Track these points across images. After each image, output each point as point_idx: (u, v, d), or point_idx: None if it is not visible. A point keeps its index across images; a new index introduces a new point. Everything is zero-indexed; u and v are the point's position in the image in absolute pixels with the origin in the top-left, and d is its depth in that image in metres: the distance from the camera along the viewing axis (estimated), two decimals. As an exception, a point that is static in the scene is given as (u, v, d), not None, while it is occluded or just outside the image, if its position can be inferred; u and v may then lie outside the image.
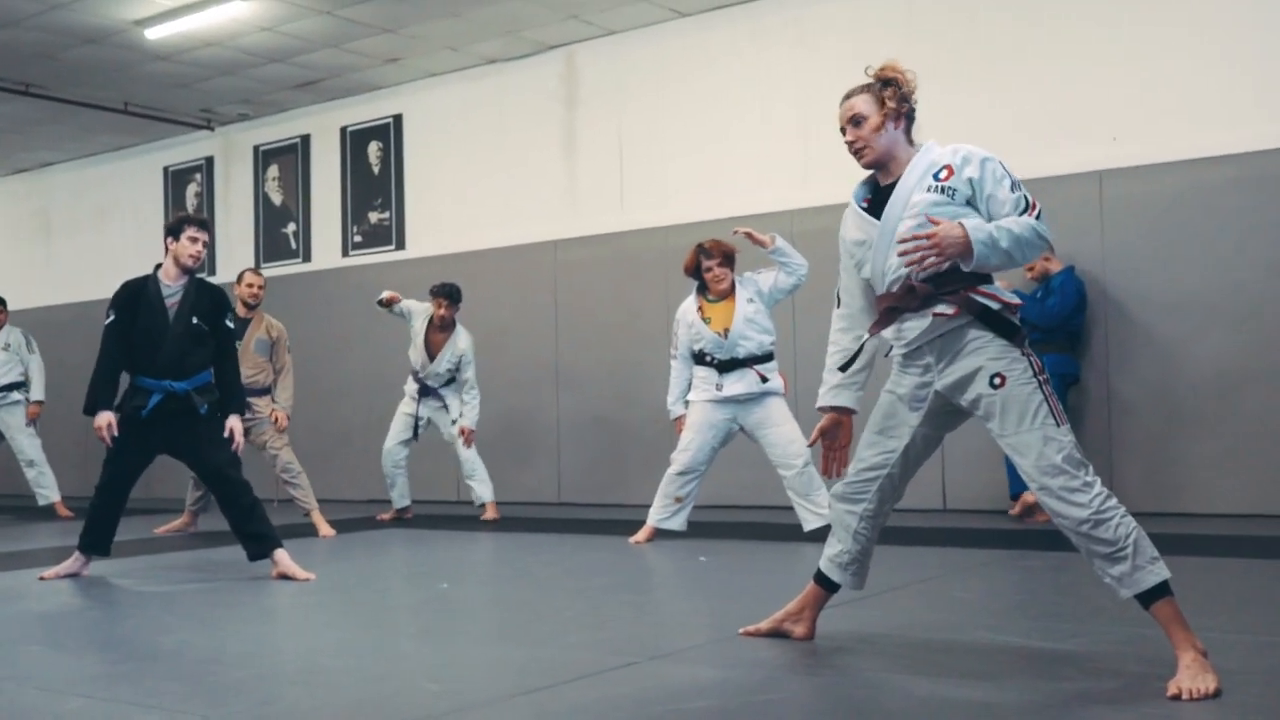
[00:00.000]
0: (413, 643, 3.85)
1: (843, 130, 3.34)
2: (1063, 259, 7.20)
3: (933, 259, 3.08)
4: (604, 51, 9.48)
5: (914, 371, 3.31)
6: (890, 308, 3.26)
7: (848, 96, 3.35)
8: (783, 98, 8.66)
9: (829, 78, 8.36)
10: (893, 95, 3.29)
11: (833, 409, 3.48)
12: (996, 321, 3.16)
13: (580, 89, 9.62)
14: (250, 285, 7.54)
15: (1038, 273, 7.16)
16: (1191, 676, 2.82)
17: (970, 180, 3.18)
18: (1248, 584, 4.72)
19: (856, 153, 3.32)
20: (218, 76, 10.27)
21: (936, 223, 3.09)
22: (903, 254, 3.13)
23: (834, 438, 3.51)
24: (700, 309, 6.49)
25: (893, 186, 3.28)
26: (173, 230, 5.49)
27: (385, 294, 8.10)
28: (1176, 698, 2.78)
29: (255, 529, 5.38)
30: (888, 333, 3.32)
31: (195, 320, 5.40)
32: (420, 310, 8.12)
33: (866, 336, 3.39)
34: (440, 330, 8.06)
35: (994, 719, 2.70)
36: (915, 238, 3.09)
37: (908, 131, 3.33)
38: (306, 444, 9.16)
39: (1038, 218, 3.13)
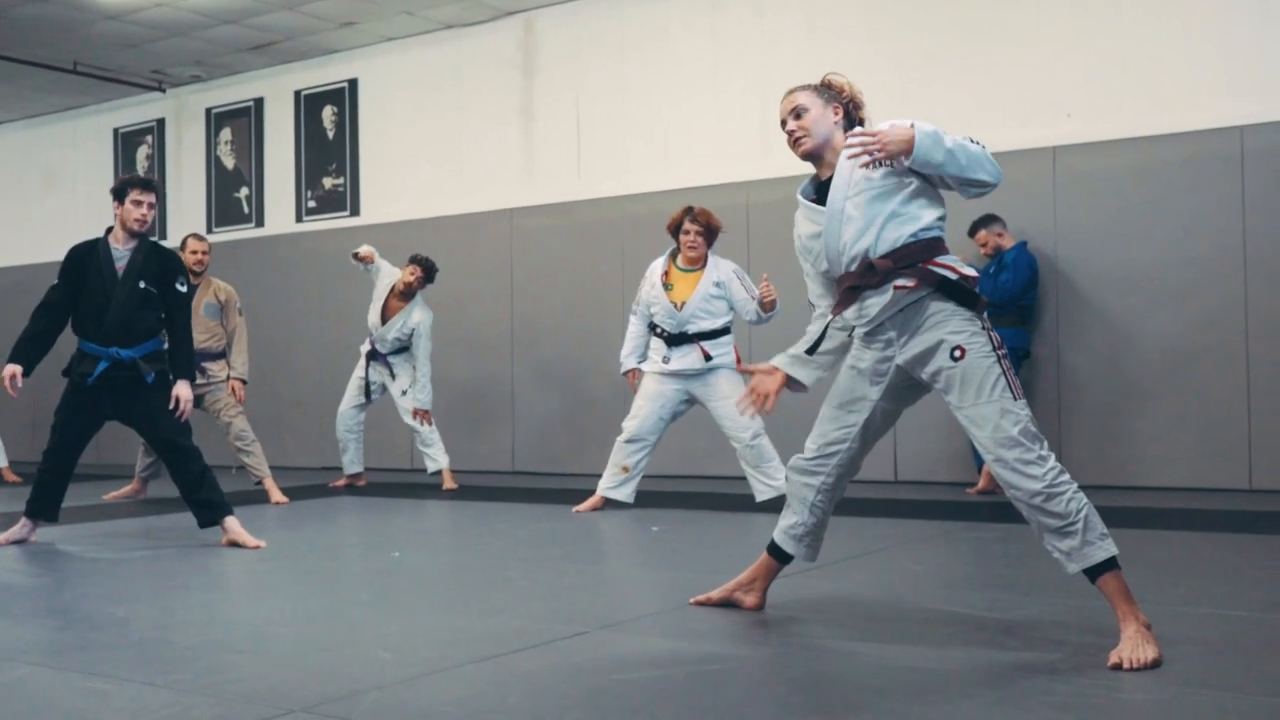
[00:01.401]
0: (364, 611, 3.84)
1: (783, 123, 3.43)
2: (1016, 234, 7.25)
3: (878, 154, 3.12)
4: (563, 19, 9.41)
5: (876, 346, 3.34)
6: (851, 287, 3.28)
7: (789, 93, 3.45)
8: (741, 69, 8.65)
9: (787, 50, 8.38)
10: (834, 93, 3.41)
11: (784, 372, 3.49)
12: (955, 291, 3.20)
13: (538, 56, 9.55)
14: (195, 251, 7.35)
15: (991, 248, 7.21)
16: (1133, 647, 2.87)
17: None
18: (1192, 556, 4.79)
19: (795, 142, 3.40)
20: (169, 37, 10.11)
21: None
22: (851, 155, 3.19)
23: (764, 386, 3.47)
24: (666, 273, 6.48)
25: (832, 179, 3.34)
26: (117, 193, 5.37)
27: (364, 249, 8.05)
28: (1117, 667, 2.83)
29: (205, 496, 5.34)
30: (849, 313, 3.34)
31: (143, 284, 5.31)
32: (388, 273, 8.09)
33: (830, 317, 3.41)
34: (401, 298, 8.02)
35: (939, 686, 2.73)
36: (861, 133, 3.15)
37: (844, 129, 3.40)
38: (259, 410, 9.09)
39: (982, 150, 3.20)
